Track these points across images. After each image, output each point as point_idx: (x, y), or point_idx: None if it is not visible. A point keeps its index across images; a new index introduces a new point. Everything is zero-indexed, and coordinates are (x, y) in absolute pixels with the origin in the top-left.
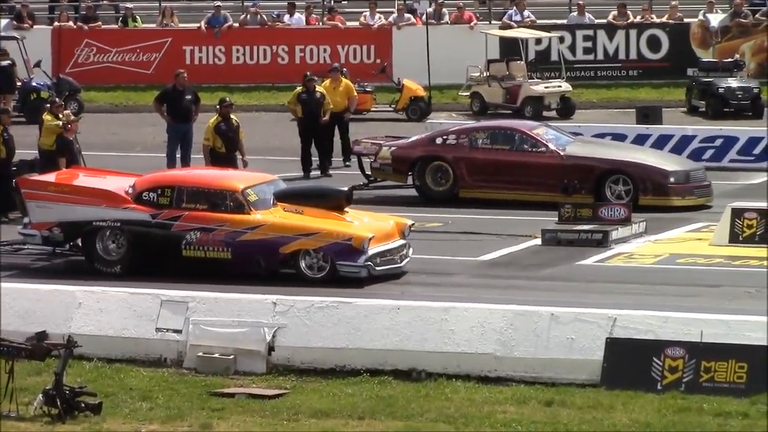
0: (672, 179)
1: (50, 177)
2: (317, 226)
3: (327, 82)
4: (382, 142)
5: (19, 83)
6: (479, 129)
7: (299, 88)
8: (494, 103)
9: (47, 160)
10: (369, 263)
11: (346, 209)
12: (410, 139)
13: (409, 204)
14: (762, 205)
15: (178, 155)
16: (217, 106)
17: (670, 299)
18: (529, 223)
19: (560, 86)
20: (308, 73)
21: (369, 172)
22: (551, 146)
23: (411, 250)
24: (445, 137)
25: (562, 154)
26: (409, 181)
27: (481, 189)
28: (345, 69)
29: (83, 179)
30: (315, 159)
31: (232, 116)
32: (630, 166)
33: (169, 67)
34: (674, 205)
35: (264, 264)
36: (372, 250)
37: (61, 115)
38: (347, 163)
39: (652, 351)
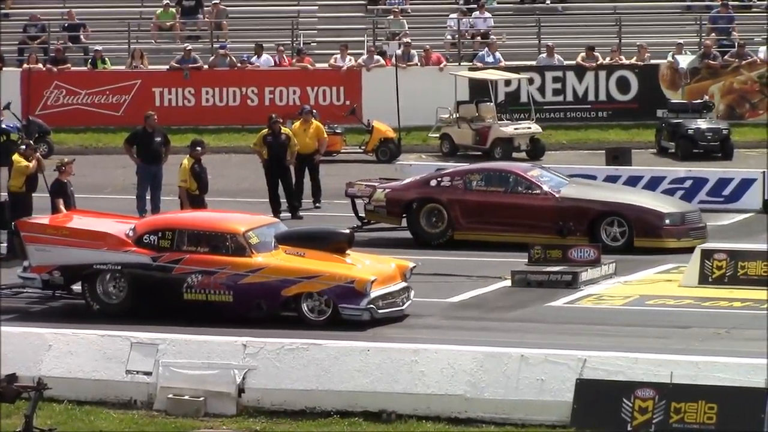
0: (667, 221)
1: (45, 219)
2: (319, 268)
3: (297, 123)
4: (376, 184)
5: None
6: (474, 171)
7: (265, 130)
8: (464, 145)
9: (16, 202)
10: (371, 306)
11: (348, 251)
12: (404, 182)
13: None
14: (731, 246)
15: (148, 197)
16: (197, 148)
17: (640, 341)
18: (500, 264)
19: (530, 128)
20: (273, 115)
21: (362, 214)
22: (546, 188)
23: (413, 293)
24: (439, 179)
25: (557, 195)
26: (404, 223)
27: (475, 231)
28: (315, 111)
29: (83, 222)
30: (284, 201)
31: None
32: (625, 208)
33: (139, 108)
34: (669, 247)
35: (265, 307)
36: (374, 292)
37: (31, 157)
38: (317, 204)
39: (622, 392)
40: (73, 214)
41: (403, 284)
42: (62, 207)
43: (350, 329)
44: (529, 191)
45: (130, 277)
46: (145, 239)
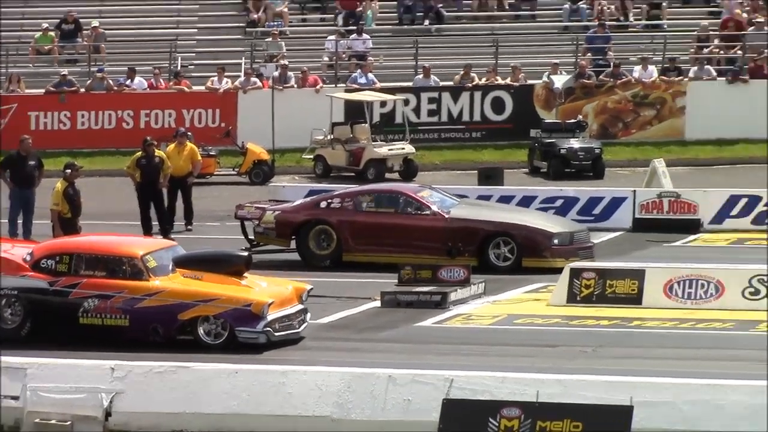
0: (556, 241)
1: None
2: (216, 291)
3: (171, 146)
4: (265, 206)
5: None
6: (364, 192)
7: (139, 153)
8: (337, 166)
9: None
10: (268, 329)
11: (246, 274)
12: (294, 203)
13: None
14: (600, 264)
15: (20, 221)
16: (66, 171)
17: (508, 359)
18: (371, 285)
19: (403, 148)
20: (148, 138)
21: (252, 237)
22: (435, 208)
23: (309, 315)
24: (329, 201)
25: (446, 216)
26: (293, 244)
27: (365, 253)
28: (190, 133)
29: None
30: (156, 223)
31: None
32: (514, 228)
33: (15, 132)
34: (558, 267)
35: (161, 331)
36: (271, 315)
37: None
38: (189, 227)
39: (488, 411)
40: None
41: (300, 306)
42: None
43: (246, 352)
44: (419, 212)
45: (27, 302)
46: (43, 264)
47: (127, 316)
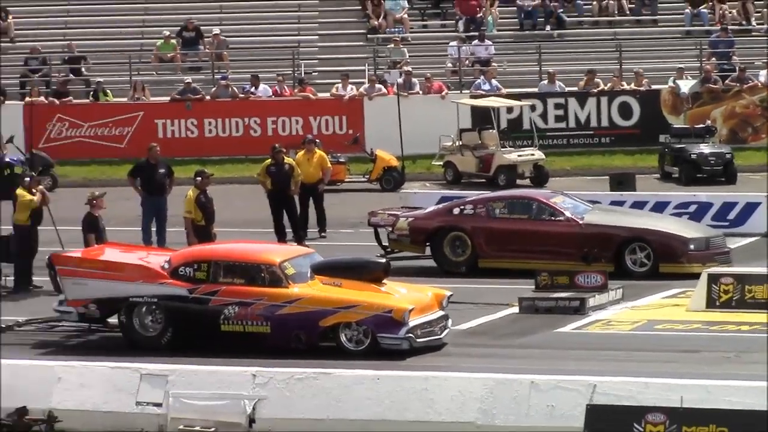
0: (692, 246)
1: (78, 253)
2: (357, 298)
3: (301, 153)
4: (398, 213)
5: None
6: (497, 199)
7: (268, 161)
8: (467, 173)
9: (21, 235)
10: (410, 335)
11: (384, 281)
12: (427, 210)
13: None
14: (738, 270)
15: (153, 228)
16: (198, 179)
17: (650, 365)
18: (507, 291)
19: (533, 154)
20: (276, 145)
21: (386, 243)
22: (569, 214)
23: (450, 321)
24: (462, 207)
25: (580, 222)
26: (428, 251)
27: (500, 259)
28: (318, 140)
29: (117, 255)
30: (290, 231)
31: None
32: (649, 234)
33: (142, 140)
34: (695, 272)
35: (303, 338)
36: (412, 321)
37: (35, 190)
38: (323, 234)
39: (633, 417)
40: (106, 247)
41: (441, 313)
42: (94, 242)
43: (389, 358)
44: (553, 218)
45: (167, 310)
46: (181, 271)
47: (268, 323)
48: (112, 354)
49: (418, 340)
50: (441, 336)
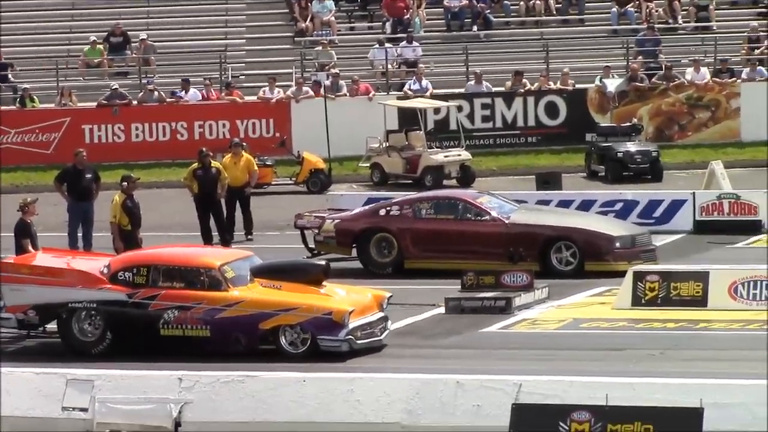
0: (617, 244)
1: (10, 260)
2: (296, 301)
3: (227, 157)
4: (325, 215)
5: None
6: (423, 200)
7: (195, 165)
8: (394, 174)
9: None
10: (350, 337)
11: (324, 283)
12: (353, 212)
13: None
14: (663, 268)
15: (80, 234)
16: (124, 183)
17: (575, 364)
18: (433, 292)
19: (460, 155)
20: (203, 149)
21: (312, 246)
22: (494, 214)
23: (390, 323)
24: (388, 209)
25: (506, 222)
26: (354, 253)
27: (426, 259)
28: (245, 143)
29: (55, 260)
30: (216, 234)
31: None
32: (575, 232)
33: (69, 146)
34: (621, 270)
35: (243, 341)
36: (352, 323)
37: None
38: (249, 237)
39: (558, 415)
40: (42, 253)
41: (380, 314)
42: (30, 248)
43: (330, 361)
44: (479, 218)
45: (106, 315)
46: (120, 276)
47: (208, 327)
48: (51, 360)
49: (359, 341)
50: (381, 337)
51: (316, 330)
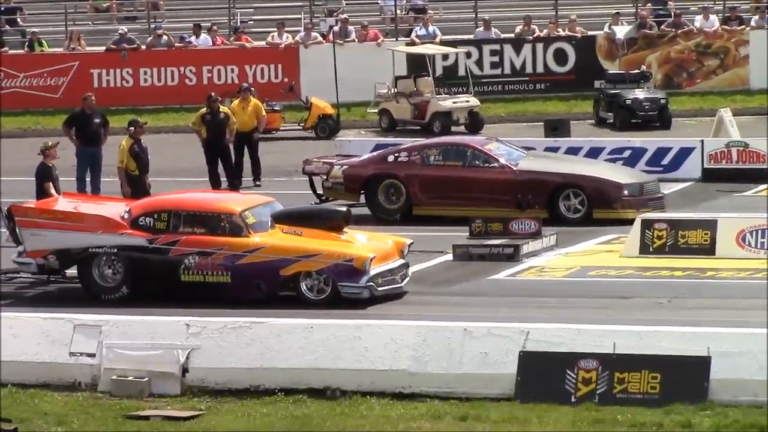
0: (626, 192)
1: (32, 204)
2: (317, 247)
3: (236, 102)
4: (333, 161)
5: None
6: (431, 146)
7: (203, 110)
8: (402, 120)
9: None
10: (371, 284)
11: (345, 229)
12: (362, 158)
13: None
14: (671, 216)
15: (88, 179)
16: (131, 128)
17: (583, 312)
18: (441, 238)
19: (468, 101)
20: (212, 93)
21: (320, 191)
22: (503, 161)
23: (410, 270)
24: (396, 155)
25: (514, 169)
26: (362, 199)
27: (434, 206)
28: (253, 89)
29: (76, 205)
30: (224, 179)
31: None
32: (583, 180)
33: (77, 90)
34: (629, 218)
35: (264, 287)
36: (373, 270)
37: None
38: (257, 182)
39: (566, 363)
40: (64, 198)
41: (401, 261)
42: (52, 191)
43: (349, 307)
44: (487, 165)
45: (127, 260)
46: (141, 221)
47: (228, 273)
48: (71, 305)
49: (379, 288)
50: (402, 284)
51: (337, 276)
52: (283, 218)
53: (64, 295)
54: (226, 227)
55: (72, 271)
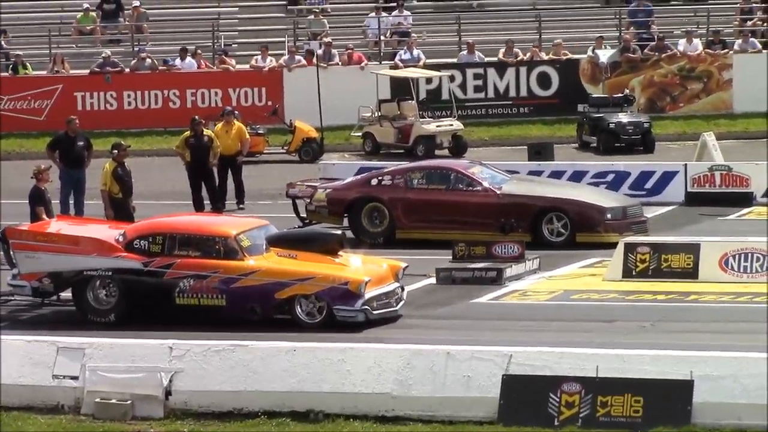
0: (609, 215)
1: (25, 227)
2: (312, 270)
3: (219, 125)
4: (317, 184)
5: None
6: (414, 169)
7: (187, 133)
8: (386, 143)
9: None
10: (366, 307)
11: (340, 253)
12: (345, 181)
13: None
14: (654, 239)
15: (71, 201)
16: (114, 151)
17: (566, 335)
18: (425, 262)
19: (452, 125)
20: (196, 117)
21: (304, 215)
22: (486, 185)
23: (405, 293)
24: (380, 178)
25: (498, 192)
26: (345, 222)
27: (417, 230)
28: (237, 112)
29: (70, 228)
30: (208, 203)
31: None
32: (566, 204)
33: (61, 113)
34: (612, 242)
35: (259, 310)
36: (368, 293)
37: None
38: (241, 206)
39: (548, 387)
40: (57, 221)
41: (396, 284)
42: (44, 215)
43: (345, 331)
44: (470, 188)
45: (121, 283)
46: (136, 244)
47: (223, 296)
48: (62, 328)
49: (374, 312)
50: (397, 308)
51: (332, 300)
52: (278, 241)
53: (58, 318)
54: (221, 250)
55: (66, 294)
